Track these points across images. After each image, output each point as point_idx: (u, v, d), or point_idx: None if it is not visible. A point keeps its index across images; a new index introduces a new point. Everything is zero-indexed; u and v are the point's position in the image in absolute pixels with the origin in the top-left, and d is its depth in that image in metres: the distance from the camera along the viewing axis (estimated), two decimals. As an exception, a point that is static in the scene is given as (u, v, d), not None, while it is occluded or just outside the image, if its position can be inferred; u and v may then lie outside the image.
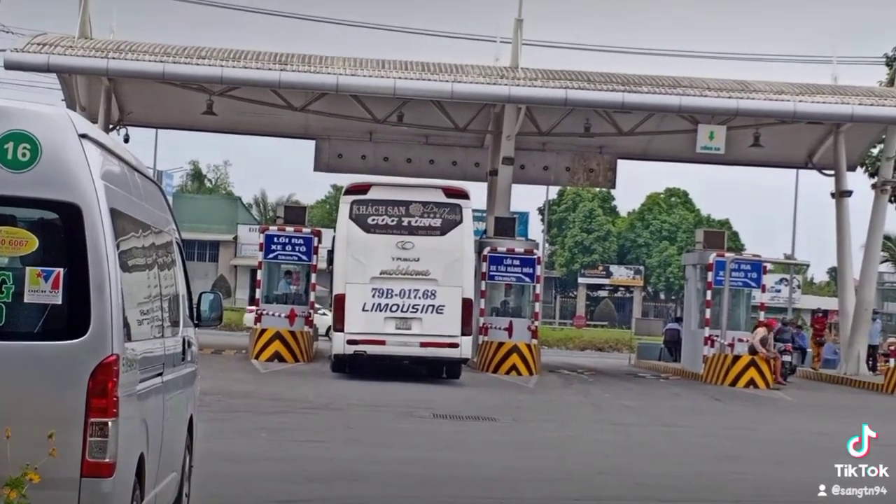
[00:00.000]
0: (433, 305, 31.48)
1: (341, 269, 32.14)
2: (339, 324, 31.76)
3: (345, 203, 32.64)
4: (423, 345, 31.51)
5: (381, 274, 31.56)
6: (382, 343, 31.45)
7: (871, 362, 42.46)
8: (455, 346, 31.50)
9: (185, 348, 10.73)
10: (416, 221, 31.90)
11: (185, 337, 10.76)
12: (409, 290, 31.51)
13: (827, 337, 48.10)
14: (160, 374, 9.44)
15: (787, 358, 39.20)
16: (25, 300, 7.76)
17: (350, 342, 31.47)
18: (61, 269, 7.79)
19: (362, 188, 32.60)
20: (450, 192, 32.59)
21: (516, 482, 15.85)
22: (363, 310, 31.46)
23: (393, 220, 31.88)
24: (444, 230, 31.95)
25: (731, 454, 19.93)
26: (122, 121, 43.84)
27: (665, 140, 45.26)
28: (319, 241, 38.69)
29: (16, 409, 7.67)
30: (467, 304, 31.83)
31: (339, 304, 31.88)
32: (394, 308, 31.53)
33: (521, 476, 16.30)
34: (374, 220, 31.87)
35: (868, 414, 26.03)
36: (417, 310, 31.51)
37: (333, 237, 34.12)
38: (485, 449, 19.14)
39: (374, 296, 31.47)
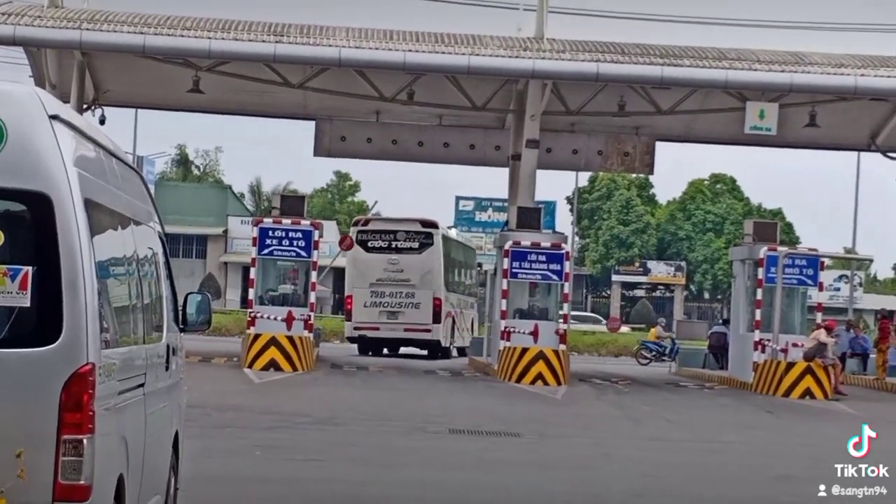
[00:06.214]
0: (412, 303, 48.15)
1: (350, 278, 49.77)
2: (348, 316, 49.95)
3: (352, 232, 49.07)
4: (405, 330, 48.49)
5: (377, 281, 48.16)
6: (377, 329, 48.39)
7: None
8: (428, 330, 48.52)
9: (170, 356, 10.74)
10: (401, 244, 48.39)
11: (170, 343, 10.77)
12: (396, 292, 48.15)
13: (892, 341, 47.91)
14: (141, 386, 9.45)
15: None
16: (-10, 303, 7.76)
17: (355, 328, 49.07)
18: (30, 268, 7.78)
19: (365, 222, 51.05)
20: (424, 224, 49.38)
21: (543, 506, 15.86)
22: (364, 306, 48.30)
23: (385, 244, 48.32)
24: (420, 250, 48.46)
25: (784, 474, 19.91)
26: (98, 100, 43.90)
27: (709, 120, 45.23)
28: (320, 235, 38.82)
29: (-20, 426, 7.68)
30: (437, 302, 48.40)
31: (348, 302, 49.74)
32: (385, 304, 48.13)
33: (547, 500, 16.30)
34: (372, 243, 48.36)
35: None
36: (402, 306, 48.14)
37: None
38: (507, 469, 19.15)
39: (372, 296, 48.24)
